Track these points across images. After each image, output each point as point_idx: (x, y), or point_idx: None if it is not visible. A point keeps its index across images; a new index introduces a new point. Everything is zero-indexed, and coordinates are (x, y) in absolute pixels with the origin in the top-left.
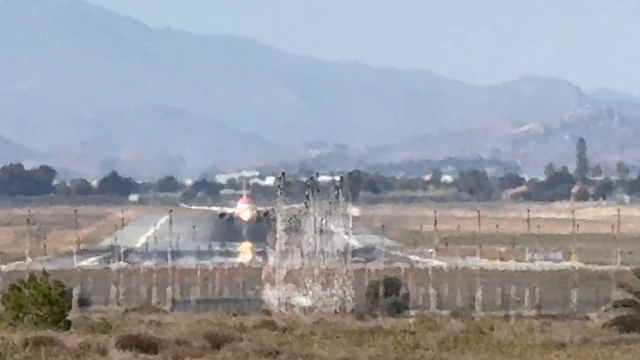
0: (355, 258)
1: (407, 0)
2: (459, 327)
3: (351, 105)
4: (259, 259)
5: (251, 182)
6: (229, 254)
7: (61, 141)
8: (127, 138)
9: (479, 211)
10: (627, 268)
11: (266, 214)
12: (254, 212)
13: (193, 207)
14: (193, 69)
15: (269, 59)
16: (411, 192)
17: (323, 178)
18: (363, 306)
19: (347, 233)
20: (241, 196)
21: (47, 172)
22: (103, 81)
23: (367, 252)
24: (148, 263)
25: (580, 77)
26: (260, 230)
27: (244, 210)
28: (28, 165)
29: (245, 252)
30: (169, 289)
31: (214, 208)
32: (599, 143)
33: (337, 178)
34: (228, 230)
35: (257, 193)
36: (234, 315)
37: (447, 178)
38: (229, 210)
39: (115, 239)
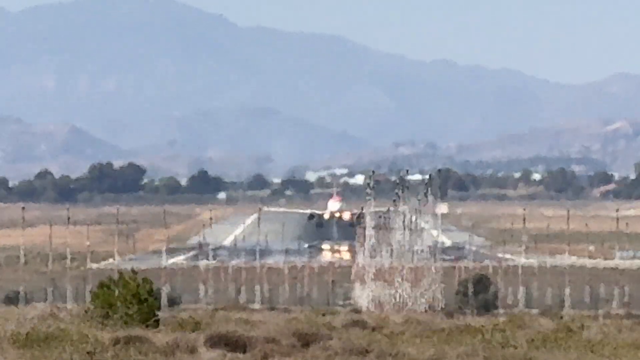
0: (445, 256)
1: (495, 0)
2: (548, 325)
3: (440, 104)
4: (348, 257)
5: (340, 180)
6: (318, 252)
7: (150, 140)
8: (215, 137)
9: (568, 210)
10: None
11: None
12: (345, 213)
13: (281, 209)
14: (282, 67)
15: (358, 58)
16: (500, 190)
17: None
18: (452, 304)
19: (436, 231)
20: (331, 195)
21: (136, 170)
22: (192, 80)
23: (457, 250)
24: (237, 261)
25: None
26: (349, 228)
27: (334, 209)
28: (117, 164)
29: (334, 250)
30: (257, 287)
31: (300, 210)
32: None
33: (427, 176)
34: (317, 229)
35: (347, 192)
36: (323, 314)
37: (537, 176)
38: (318, 212)
39: (204, 238)
